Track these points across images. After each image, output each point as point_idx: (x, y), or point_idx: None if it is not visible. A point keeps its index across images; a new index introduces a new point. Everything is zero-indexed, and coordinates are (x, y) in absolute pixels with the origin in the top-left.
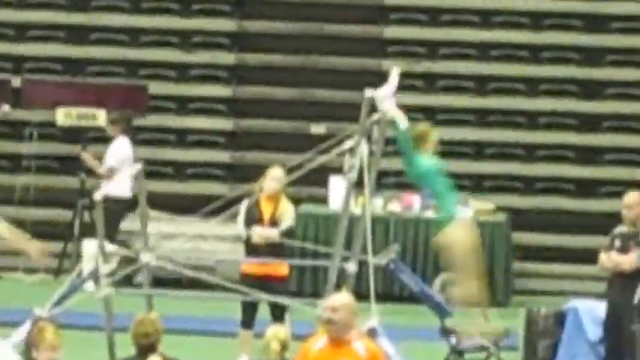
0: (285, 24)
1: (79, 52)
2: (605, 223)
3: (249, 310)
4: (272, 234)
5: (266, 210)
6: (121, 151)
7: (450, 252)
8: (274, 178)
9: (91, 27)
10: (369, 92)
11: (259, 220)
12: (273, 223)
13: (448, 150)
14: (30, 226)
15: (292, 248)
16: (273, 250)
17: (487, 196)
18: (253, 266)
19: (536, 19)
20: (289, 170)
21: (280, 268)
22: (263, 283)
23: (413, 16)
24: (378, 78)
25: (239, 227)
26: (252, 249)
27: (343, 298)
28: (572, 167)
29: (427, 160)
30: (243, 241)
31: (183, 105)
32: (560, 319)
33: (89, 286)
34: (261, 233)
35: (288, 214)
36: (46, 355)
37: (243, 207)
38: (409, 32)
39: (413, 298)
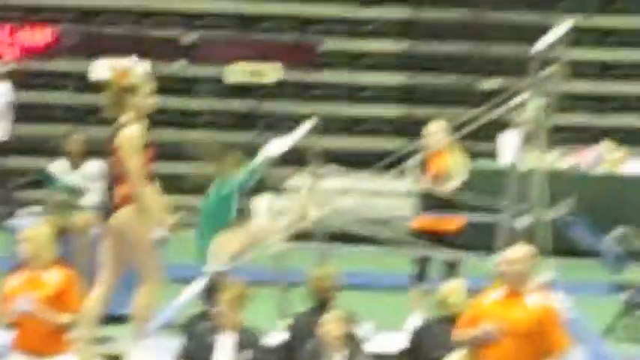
0: None
1: (251, 8)
2: None
3: (422, 265)
4: (449, 186)
5: (435, 164)
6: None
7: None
8: (432, 133)
9: None
10: (539, 46)
11: (429, 174)
12: (444, 176)
13: (623, 105)
14: (203, 182)
15: (465, 203)
16: (446, 204)
17: None
18: (425, 221)
19: None
20: (460, 125)
21: (453, 222)
22: (436, 237)
23: None
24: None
25: (412, 182)
26: (426, 204)
27: (520, 250)
28: None
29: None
30: (416, 196)
31: (355, 61)
32: None
33: None
34: (440, 185)
35: (460, 167)
36: (226, 310)
37: (413, 163)
38: None
39: (588, 253)
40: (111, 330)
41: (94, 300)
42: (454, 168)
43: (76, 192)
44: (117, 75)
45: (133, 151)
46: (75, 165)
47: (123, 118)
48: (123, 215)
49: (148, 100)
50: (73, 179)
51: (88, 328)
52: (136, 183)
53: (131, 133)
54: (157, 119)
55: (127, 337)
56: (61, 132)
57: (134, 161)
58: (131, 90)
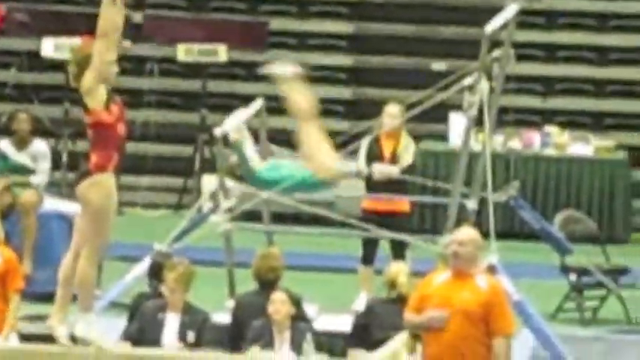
0: None
1: None
2: None
3: (370, 246)
4: (392, 171)
5: (386, 147)
6: None
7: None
8: (391, 115)
9: None
10: (488, 29)
11: (380, 157)
12: (394, 159)
13: (570, 87)
14: (150, 162)
15: (413, 185)
16: (393, 186)
17: (608, 133)
18: (374, 202)
19: None
20: (409, 107)
21: (401, 204)
22: (384, 219)
23: None
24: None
25: (359, 164)
26: (373, 185)
27: (470, 232)
28: None
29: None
30: (363, 177)
31: (303, 41)
32: None
33: (213, 218)
34: (382, 170)
35: (408, 151)
36: (172, 291)
37: (363, 144)
38: None
39: (533, 236)
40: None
41: (64, 265)
42: (405, 150)
43: (25, 171)
44: (81, 43)
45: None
46: (22, 144)
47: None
48: (86, 182)
49: (111, 68)
50: (20, 159)
51: (62, 293)
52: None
53: (87, 78)
54: None
55: (74, 313)
56: (8, 110)
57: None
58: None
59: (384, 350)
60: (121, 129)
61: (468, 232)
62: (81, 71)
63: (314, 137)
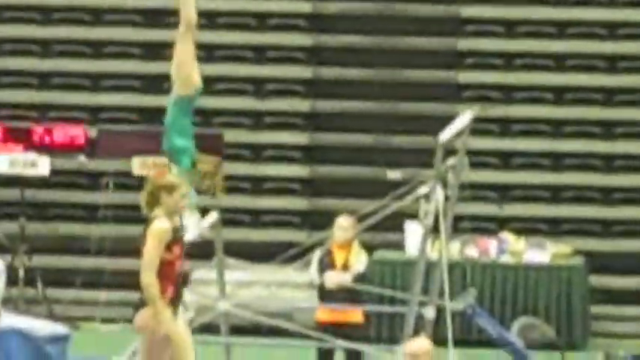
0: (360, 70)
1: (153, 101)
2: None
3: (326, 357)
4: (343, 279)
5: (338, 258)
6: None
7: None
8: (341, 227)
9: (165, 76)
10: (443, 137)
11: (332, 268)
12: (346, 270)
13: (524, 194)
14: (107, 277)
15: (369, 294)
16: (347, 296)
17: (564, 239)
18: (328, 314)
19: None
20: (365, 216)
21: (354, 315)
22: (338, 330)
23: (488, 60)
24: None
25: (312, 274)
26: (326, 296)
27: (422, 345)
28: None
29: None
30: (316, 288)
31: (257, 152)
32: None
33: None
34: (333, 279)
35: (359, 260)
36: None
37: (316, 255)
38: (484, 77)
39: (491, 344)
40: None
41: None
42: (355, 260)
43: None
44: (154, 174)
45: (156, 242)
46: None
47: (155, 212)
48: (142, 312)
49: (182, 199)
50: None
51: None
52: (147, 274)
53: (161, 226)
54: (61, 214)
55: None
56: None
57: (151, 252)
58: (168, 189)
59: None
60: (180, 266)
61: (419, 345)
62: (153, 201)
63: (189, 51)
